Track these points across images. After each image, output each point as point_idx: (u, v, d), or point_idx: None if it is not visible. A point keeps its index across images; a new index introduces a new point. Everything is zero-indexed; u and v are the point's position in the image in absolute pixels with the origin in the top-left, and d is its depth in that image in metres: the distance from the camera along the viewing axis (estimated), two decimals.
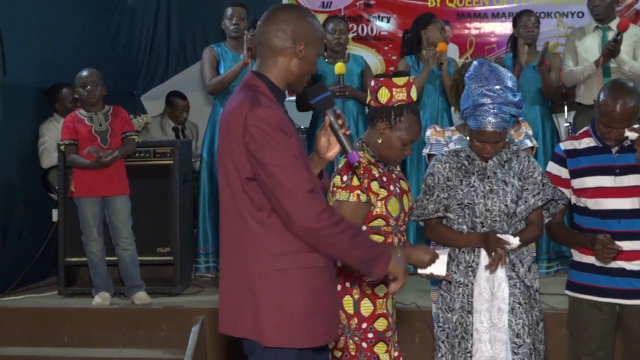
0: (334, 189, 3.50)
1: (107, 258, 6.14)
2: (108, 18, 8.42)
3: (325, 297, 2.95)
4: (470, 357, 3.71)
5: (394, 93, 3.51)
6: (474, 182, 3.75)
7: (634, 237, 3.88)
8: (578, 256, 4.03)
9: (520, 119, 4.53)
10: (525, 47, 6.65)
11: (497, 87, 3.63)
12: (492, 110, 3.62)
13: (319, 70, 6.81)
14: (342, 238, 2.89)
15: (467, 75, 3.77)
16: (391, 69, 8.52)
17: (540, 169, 3.87)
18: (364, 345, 3.49)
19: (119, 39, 8.58)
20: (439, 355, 3.84)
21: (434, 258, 3.52)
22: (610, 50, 6.26)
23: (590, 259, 3.94)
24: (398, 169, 3.73)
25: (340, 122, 3.03)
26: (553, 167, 4.05)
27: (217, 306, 3.08)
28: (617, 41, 6.23)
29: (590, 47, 6.58)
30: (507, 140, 3.83)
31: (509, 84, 3.66)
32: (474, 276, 3.74)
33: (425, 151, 4.49)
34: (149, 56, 8.93)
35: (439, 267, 3.56)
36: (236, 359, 3.64)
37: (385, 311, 3.52)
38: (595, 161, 3.93)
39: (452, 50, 8.10)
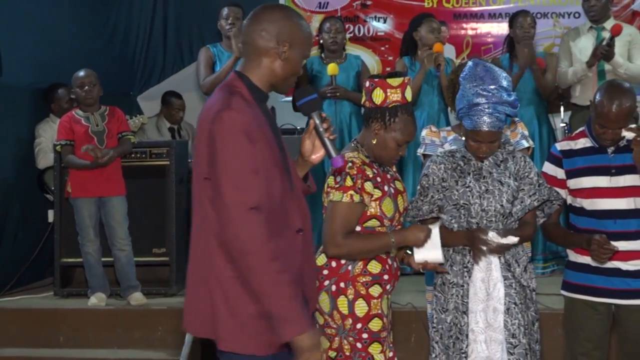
0: (328, 189, 3.50)
1: (103, 259, 6.14)
2: (105, 18, 8.42)
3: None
4: (466, 357, 3.71)
5: (389, 94, 3.51)
6: (470, 182, 3.74)
7: (630, 237, 3.88)
8: (574, 256, 4.04)
9: (517, 119, 4.53)
10: (525, 51, 6.63)
11: (492, 86, 3.63)
12: (487, 110, 3.62)
13: (314, 70, 6.83)
14: (265, 277, 2.78)
15: (462, 75, 3.77)
16: (388, 69, 8.52)
17: (536, 169, 3.87)
18: (359, 345, 3.49)
19: (116, 39, 8.58)
20: (433, 355, 3.83)
21: (429, 234, 3.50)
22: (604, 54, 6.26)
23: (586, 259, 3.94)
24: (394, 169, 3.73)
25: (325, 125, 3.00)
26: (549, 168, 4.05)
27: None
28: (610, 45, 6.23)
29: (585, 47, 6.58)
30: (502, 140, 3.83)
31: (504, 83, 3.66)
32: (469, 277, 3.74)
33: (420, 151, 4.49)
34: (145, 57, 8.94)
35: (433, 252, 3.54)
36: None
37: (379, 312, 3.52)
38: (591, 161, 3.93)
39: (449, 51, 8.11)
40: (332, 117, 6.66)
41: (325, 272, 3.53)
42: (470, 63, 3.78)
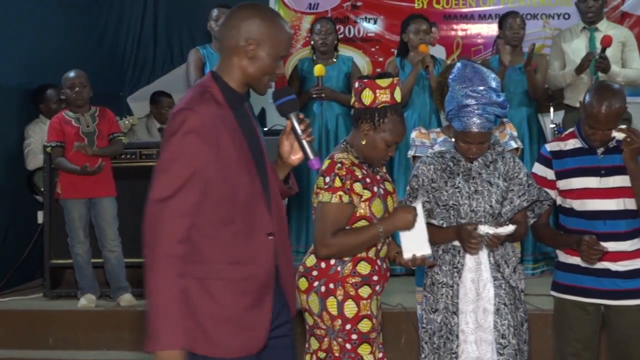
0: (317, 190, 3.50)
1: (93, 260, 6.13)
2: (94, 19, 8.40)
3: (238, 310, 2.85)
4: (456, 357, 3.71)
5: (378, 94, 3.51)
6: (459, 183, 3.75)
7: (619, 238, 3.89)
8: (563, 257, 4.04)
9: (505, 120, 4.53)
10: (507, 47, 6.65)
11: (481, 87, 3.63)
12: (476, 111, 3.62)
13: (304, 71, 6.84)
14: (157, 280, 2.73)
15: (451, 77, 3.77)
16: (378, 70, 8.52)
17: (525, 170, 3.87)
18: (348, 346, 3.49)
19: (105, 40, 8.57)
20: (423, 356, 3.84)
21: (415, 213, 3.48)
22: (600, 67, 6.23)
23: (575, 260, 3.95)
24: (384, 170, 3.73)
25: (302, 126, 2.98)
26: (539, 168, 4.06)
27: None
28: (603, 57, 6.22)
29: (578, 48, 6.58)
30: (492, 141, 3.84)
31: (493, 84, 3.66)
32: (459, 277, 3.74)
33: (410, 153, 4.49)
34: (135, 57, 8.92)
35: (420, 245, 3.53)
36: None
37: (369, 312, 3.52)
38: (581, 162, 3.93)
39: (439, 52, 8.12)
40: (318, 118, 6.70)
41: (315, 273, 3.53)
42: (459, 64, 3.78)
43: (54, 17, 7.55)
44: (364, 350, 3.50)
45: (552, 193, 4.00)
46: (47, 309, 6.15)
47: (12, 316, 6.07)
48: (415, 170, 3.85)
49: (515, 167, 3.82)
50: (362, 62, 8.64)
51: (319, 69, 6.55)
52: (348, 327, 3.49)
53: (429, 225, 3.66)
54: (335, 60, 6.88)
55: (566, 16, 8.65)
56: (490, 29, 8.62)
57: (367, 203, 3.49)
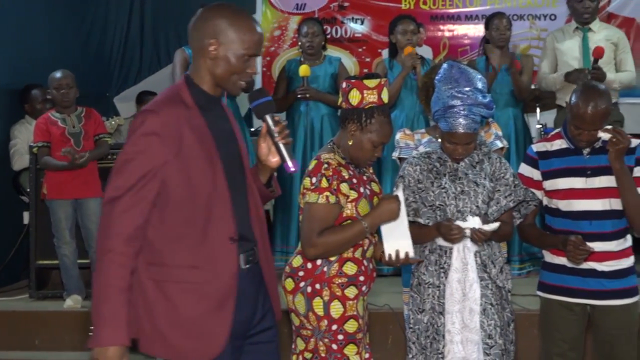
0: (304, 190, 3.50)
1: (79, 261, 6.11)
2: (81, 19, 8.38)
3: (196, 314, 2.84)
4: (442, 357, 3.72)
5: (365, 95, 3.51)
6: (446, 183, 3.75)
7: (605, 238, 3.90)
8: (549, 257, 4.05)
9: (490, 120, 4.54)
10: (497, 51, 6.67)
11: (467, 88, 3.64)
12: (462, 112, 3.62)
13: (291, 72, 6.84)
14: (98, 274, 2.75)
15: (437, 77, 3.78)
16: (365, 70, 8.53)
17: (511, 170, 3.88)
18: (334, 347, 3.48)
19: (92, 40, 8.55)
20: (410, 356, 3.84)
21: (399, 202, 3.46)
22: (595, 78, 6.23)
23: (561, 260, 3.95)
24: (370, 170, 3.73)
25: (277, 128, 2.96)
26: (525, 169, 4.06)
27: None
28: (597, 68, 6.23)
29: (571, 48, 6.57)
30: (478, 142, 3.84)
31: (479, 85, 3.67)
32: (446, 277, 3.74)
33: (395, 155, 4.49)
34: (121, 57, 8.91)
35: (401, 236, 3.52)
36: None
37: (355, 313, 3.52)
38: (567, 163, 3.94)
39: (426, 52, 8.12)
40: (303, 118, 6.70)
41: (301, 273, 3.53)
42: (445, 65, 3.78)
43: (40, 17, 7.53)
44: (350, 350, 3.49)
45: (539, 193, 4.00)
46: (33, 309, 6.12)
47: None
48: (402, 171, 3.85)
49: (502, 167, 3.83)
50: (349, 63, 8.64)
51: (304, 70, 6.57)
52: (334, 327, 3.48)
53: (413, 224, 3.66)
54: (322, 60, 6.89)
55: (552, 17, 8.67)
56: (476, 30, 8.63)
57: (353, 204, 3.49)
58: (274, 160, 3.02)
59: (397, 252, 3.54)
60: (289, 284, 3.56)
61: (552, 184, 3.97)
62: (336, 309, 3.48)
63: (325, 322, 3.48)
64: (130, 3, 8.87)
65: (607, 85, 6.16)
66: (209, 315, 2.84)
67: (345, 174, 3.50)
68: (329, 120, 6.72)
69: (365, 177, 3.63)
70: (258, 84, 8.53)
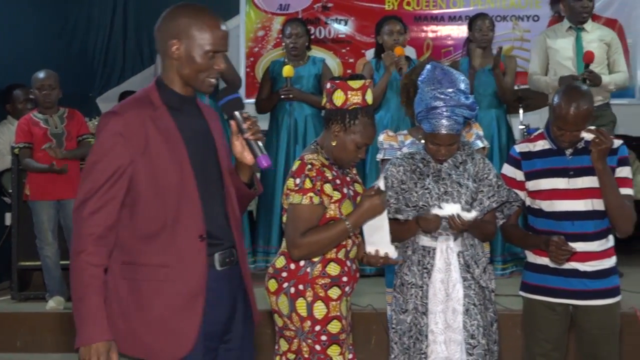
0: (287, 191, 3.49)
1: (62, 262, 6.09)
2: (64, 19, 8.36)
3: (166, 313, 2.85)
4: (425, 358, 3.72)
5: (349, 96, 3.51)
6: (429, 184, 3.76)
7: (587, 239, 3.91)
8: (532, 257, 4.06)
9: (472, 120, 4.54)
10: (478, 51, 6.68)
11: (450, 90, 3.64)
12: (445, 113, 3.63)
13: (275, 72, 6.84)
14: (74, 276, 2.79)
15: (420, 79, 3.78)
16: (349, 71, 8.53)
17: (495, 171, 3.89)
18: (318, 347, 3.48)
19: (75, 40, 8.53)
20: (392, 356, 3.84)
21: (382, 194, 3.46)
22: (590, 82, 6.24)
23: (544, 260, 3.96)
24: (354, 171, 3.73)
25: (246, 125, 2.96)
26: (508, 170, 4.07)
27: None
28: (589, 72, 6.24)
29: (565, 48, 6.57)
30: (462, 142, 3.85)
31: (462, 86, 3.68)
32: (429, 277, 3.75)
33: (379, 157, 4.49)
34: (104, 58, 8.90)
35: (382, 240, 3.52)
36: None
37: (338, 314, 3.51)
38: (550, 163, 3.95)
39: (409, 53, 8.12)
40: (287, 119, 6.70)
41: (284, 274, 3.52)
42: (428, 66, 3.79)
43: (23, 17, 7.50)
44: (333, 351, 3.49)
45: (522, 194, 4.01)
46: (15, 311, 6.11)
47: None
48: (385, 172, 3.85)
49: (485, 168, 3.84)
50: (333, 63, 8.64)
51: (287, 70, 6.58)
52: (317, 328, 3.48)
53: (392, 221, 3.65)
54: (306, 61, 6.89)
55: (535, 18, 8.71)
56: (460, 31, 8.64)
57: (337, 204, 3.49)
58: (250, 157, 3.01)
59: (377, 251, 3.54)
60: (272, 284, 3.55)
61: (534, 185, 3.98)
62: (319, 310, 3.48)
63: (309, 322, 3.48)
64: (114, 4, 8.86)
65: (603, 88, 6.23)
66: (179, 314, 2.86)
67: (328, 175, 3.49)
68: (313, 121, 6.72)
69: (348, 178, 3.62)
70: (243, 84, 8.52)
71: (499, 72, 6.54)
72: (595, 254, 3.93)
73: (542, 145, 4.00)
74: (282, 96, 6.64)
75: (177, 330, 2.86)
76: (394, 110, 6.56)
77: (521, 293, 4.13)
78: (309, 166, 3.47)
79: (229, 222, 3.02)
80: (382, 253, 3.55)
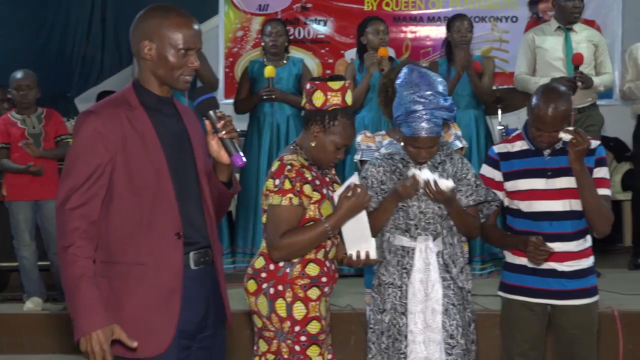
0: (267, 192, 3.49)
1: (39, 263, 6.06)
2: (42, 19, 8.32)
3: (143, 310, 2.87)
4: (405, 357, 3.73)
5: (329, 97, 3.51)
6: None
7: (565, 239, 3.93)
8: (511, 257, 4.07)
9: (450, 120, 4.56)
10: (462, 54, 6.68)
11: (428, 92, 3.64)
12: (424, 116, 3.63)
13: (254, 73, 6.83)
14: (64, 272, 2.80)
15: (397, 82, 3.77)
16: (328, 72, 8.53)
17: (473, 170, 3.91)
18: (297, 348, 3.48)
19: (53, 40, 8.49)
20: (370, 356, 3.85)
21: (361, 190, 3.44)
22: (582, 83, 6.26)
23: (522, 260, 3.98)
24: (333, 172, 3.73)
25: (220, 124, 2.95)
26: (487, 170, 4.08)
27: None
28: (580, 73, 6.26)
29: (554, 47, 6.59)
30: (440, 143, 3.86)
31: (440, 88, 3.68)
32: (408, 278, 3.75)
33: (357, 158, 4.49)
34: (83, 58, 8.85)
35: (363, 240, 3.53)
36: None
37: (318, 314, 3.51)
38: (528, 164, 3.97)
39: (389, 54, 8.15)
40: (268, 119, 6.70)
41: (264, 275, 3.52)
42: (405, 69, 3.77)
43: (0, 17, 7.45)
44: (313, 352, 3.49)
45: (500, 194, 4.03)
46: None
47: None
48: (365, 172, 3.85)
49: (464, 168, 3.85)
50: (312, 64, 8.64)
51: (269, 71, 6.55)
52: (297, 329, 3.48)
53: (369, 212, 3.64)
54: (285, 62, 6.88)
55: (514, 19, 8.74)
56: (439, 32, 8.65)
57: (316, 205, 3.49)
58: (226, 156, 3.00)
59: (358, 253, 3.55)
60: (252, 285, 3.55)
61: (513, 185, 3.99)
62: (299, 311, 3.48)
63: (288, 323, 3.48)
64: (92, 4, 8.82)
65: (593, 89, 6.27)
66: (155, 311, 2.87)
67: (308, 176, 3.49)
68: (295, 122, 6.71)
69: (327, 179, 3.63)
70: (222, 84, 8.51)
71: (472, 73, 6.53)
72: (573, 254, 3.95)
73: (520, 145, 4.01)
74: (265, 97, 6.62)
75: (155, 327, 2.88)
76: (375, 110, 6.56)
77: (499, 293, 4.14)
78: (289, 167, 3.47)
79: (205, 222, 3.03)
80: (362, 253, 3.55)
